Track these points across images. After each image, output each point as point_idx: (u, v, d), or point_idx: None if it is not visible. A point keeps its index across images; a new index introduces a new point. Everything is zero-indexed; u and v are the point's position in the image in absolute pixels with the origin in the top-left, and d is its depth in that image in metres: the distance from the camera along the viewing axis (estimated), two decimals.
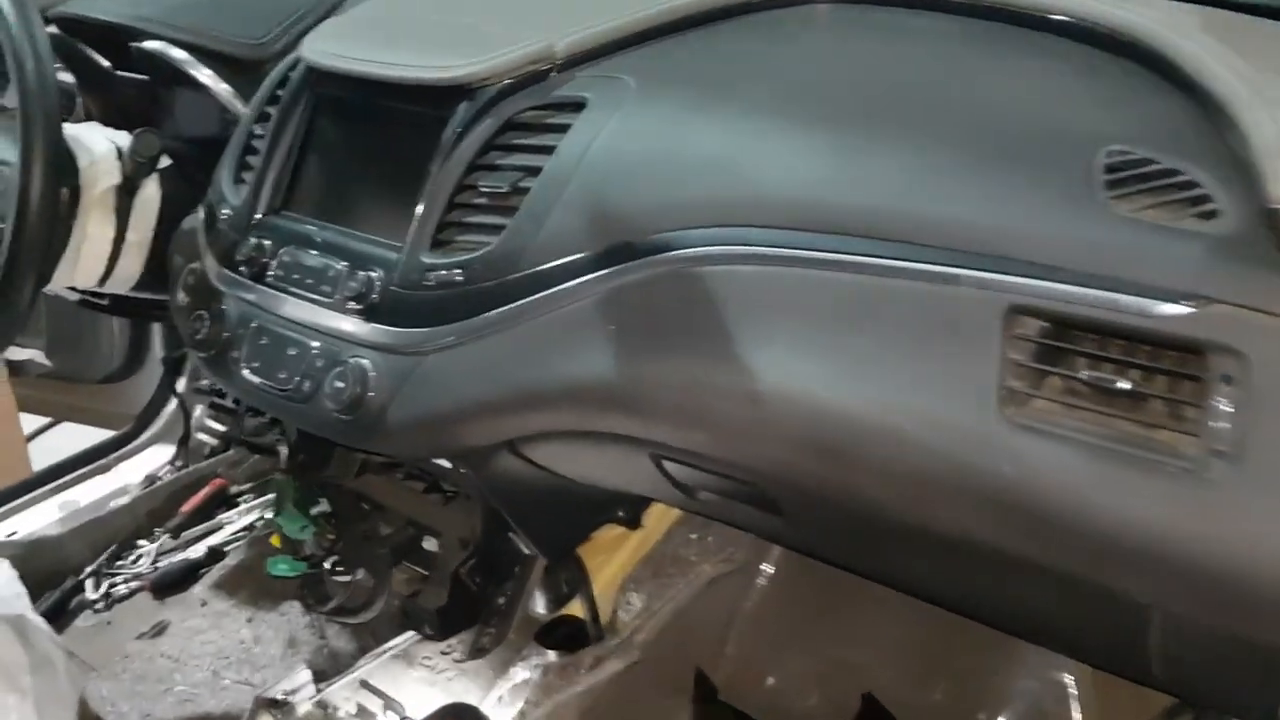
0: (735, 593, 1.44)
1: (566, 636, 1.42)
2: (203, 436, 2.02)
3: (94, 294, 1.51)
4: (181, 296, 1.26)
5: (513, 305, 0.99)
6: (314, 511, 1.33)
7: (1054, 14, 0.98)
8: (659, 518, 1.50)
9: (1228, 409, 0.72)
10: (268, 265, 1.15)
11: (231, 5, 1.41)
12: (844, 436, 0.85)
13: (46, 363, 1.96)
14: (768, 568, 1.43)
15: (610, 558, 1.50)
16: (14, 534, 1.82)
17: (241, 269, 1.17)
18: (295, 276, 1.13)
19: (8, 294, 1.15)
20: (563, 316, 0.98)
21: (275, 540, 1.38)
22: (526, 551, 1.29)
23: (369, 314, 1.07)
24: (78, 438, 2.17)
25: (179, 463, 2.00)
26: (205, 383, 1.97)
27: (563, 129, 1.02)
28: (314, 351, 1.09)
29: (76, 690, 1.38)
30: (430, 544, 1.32)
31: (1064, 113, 0.89)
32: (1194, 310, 0.73)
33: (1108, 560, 0.77)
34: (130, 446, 2.01)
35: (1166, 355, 0.75)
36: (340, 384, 1.05)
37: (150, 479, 1.96)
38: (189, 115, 1.42)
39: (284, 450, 1.31)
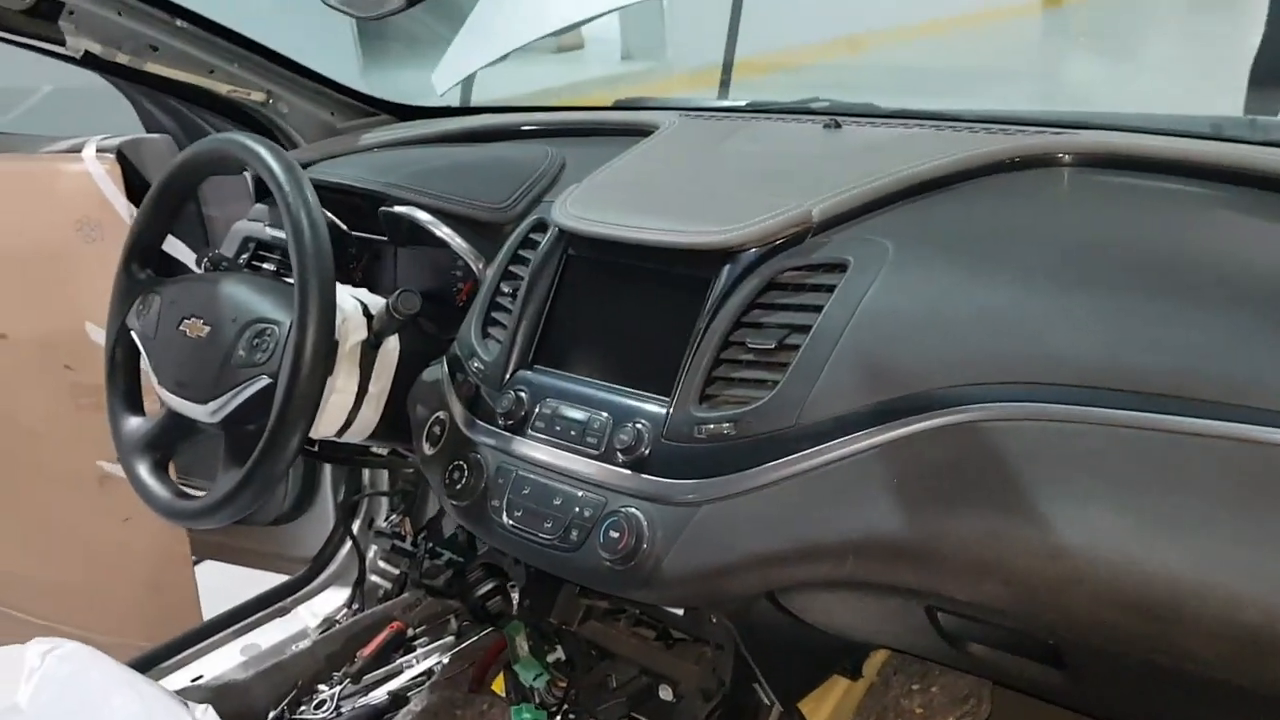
0: None
1: None
2: (376, 579, 2.05)
3: (308, 441, 1.57)
4: (428, 446, 1.30)
5: (790, 457, 1.02)
6: (550, 659, 1.34)
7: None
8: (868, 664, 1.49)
9: None
10: (527, 417, 1.20)
11: (466, 172, 1.49)
12: (1164, 595, 0.86)
13: None
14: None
15: (819, 705, 1.49)
16: (200, 678, 1.84)
17: (499, 420, 1.22)
18: (558, 429, 1.17)
19: (277, 446, 1.21)
20: (842, 470, 1.00)
21: (497, 686, 1.39)
22: (766, 702, 1.29)
23: (639, 465, 1.10)
24: (229, 576, 2.22)
25: (355, 605, 2.03)
26: (383, 524, 2.01)
27: (827, 289, 1.07)
28: (580, 502, 1.13)
29: None
30: (665, 693, 1.32)
31: None
32: None
33: None
34: (307, 589, 2.04)
35: None
36: (615, 534, 1.08)
37: (328, 622, 1.99)
38: (419, 272, 1.49)
39: (515, 595, 1.33)
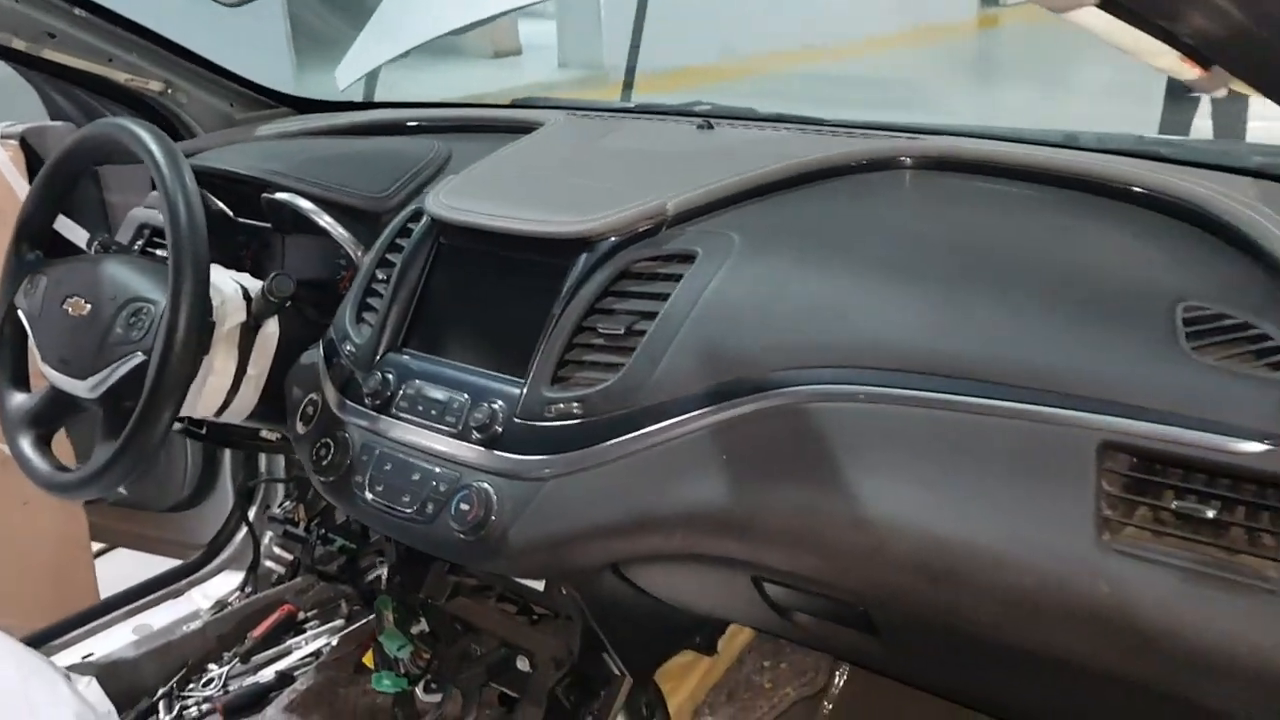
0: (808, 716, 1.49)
1: None
2: (271, 564, 2.09)
3: (195, 423, 1.60)
4: (300, 426, 1.35)
5: (630, 435, 1.09)
6: (414, 630, 1.40)
7: (1129, 185, 1.11)
8: (727, 645, 1.56)
9: None
10: (393, 398, 1.25)
11: (351, 162, 1.54)
12: (951, 561, 0.93)
13: (121, 491, 2.04)
14: (838, 692, 1.48)
15: (680, 684, 1.55)
16: (90, 655, 1.87)
17: (366, 401, 1.27)
18: (420, 408, 1.23)
19: (148, 423, 1.25)
20: (677, 447, 1.07)
21: (368, 659, 1.44)
22: (615, 672, 1.35)
23: (492, 443, 1.16)
24: (133, 563, 2.23)
25: (248, 589, 2.06)
26: (277, 511, 2.04)
27: (675, 278, 1.14)
28: (437, 477, 1.18)
29: None
30: (522, 664, 1.38)
31: (1143, 272, 1.01)
32: (1270, 448, 0.83)
33: (1197, 674, 0.85)
34: (202, 572, 2.07)
35: (1246, 488, 0.85)
36: (465, 506, 1.14)
37: (220, 604, 2.02)
38: (305, 259, 1.54)
39: (384, 571, 1.38)
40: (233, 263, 1.55)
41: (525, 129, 1.59)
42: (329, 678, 1.82)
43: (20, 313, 1.46)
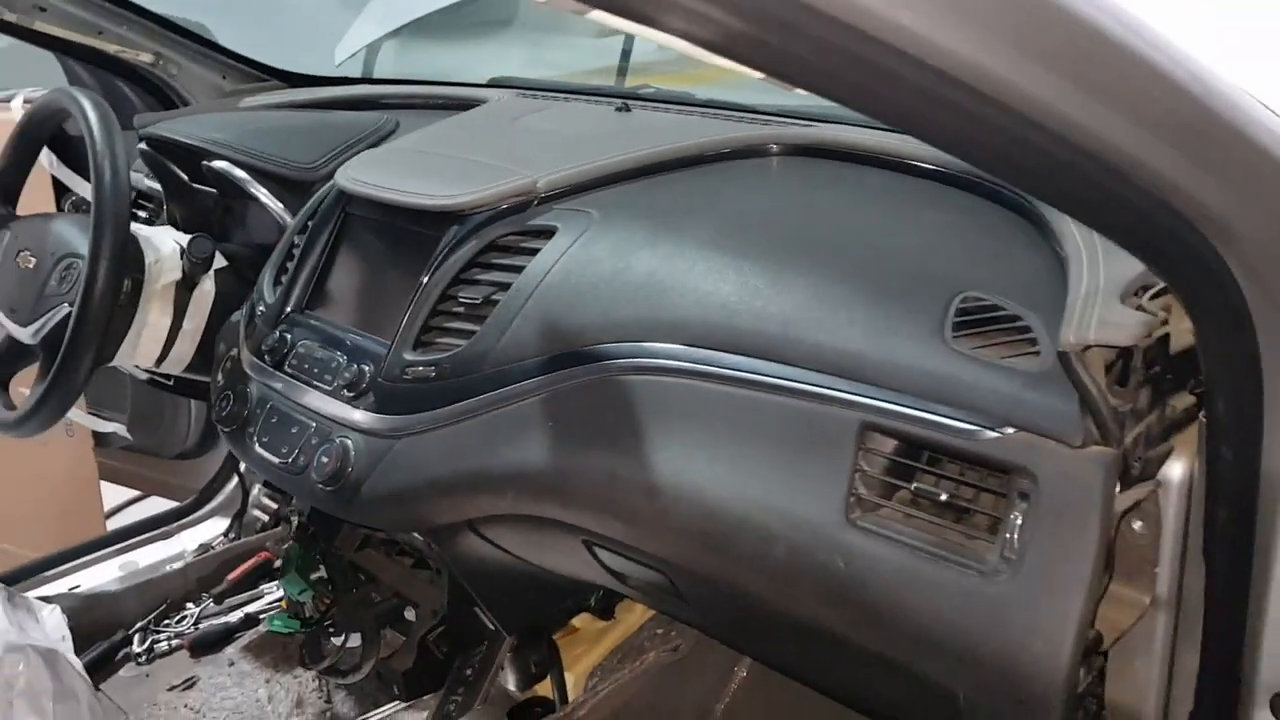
0: (679, 681, 1.53)
1: (537, 716, 1.52)
2: (257, 512, 2.20)
3: (160, 374, 1.72)
4: (219, 378, 1.45)
5: (472, 400, 1.15)
6: (313, 577, 1.48)
7: (948, 167, 1.13)
8: (639, 612, 1.61)
9: (1018, 521, 0.83)
10: (286, 355, 1.34)
11: (291, 133, 1.63)
12: (724, 530, 0.97)
13: (128, 436, 2.18)
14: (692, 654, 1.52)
15: (592, 647, 1.61)
16: (76, 587, 2.01)
17: (265, 357, 1.36)
18: (306, 366, 1.31)
19: (70, 364, 1.36)
20: (512, 412, 1.12)
21: (285, 604, 1.54)
22: (491, 627, 1.41)
23: (357, 401, 1.23)
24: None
25: (232, 535, 2.19)
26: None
27: (533, 252, 1.19)
28: (311, 431, 1.26)
29: None
30: (410, 614, 1.45)
31: (940, 260, 1.02)
32: (1002, 435, 0.84)
33: (919, 648, 0.87)
34: (191, 517, 2.20)
35: (986, 474, 0.87)
36: (325, 459, 1.22)
37: (204, 547, 2.15)
38: (247, 226, 1.64)
39: (295, 520, 1.47)
40: (198, 225, 1.66)
41: (470, 106, 1.65)
42: None
43: None
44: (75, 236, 1.46)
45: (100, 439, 2.22)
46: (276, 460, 1.29)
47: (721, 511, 0.97)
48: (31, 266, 1.47)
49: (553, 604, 1.48)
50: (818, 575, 0.91)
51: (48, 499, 2.25)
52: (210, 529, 2.19)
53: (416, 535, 1.35)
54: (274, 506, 2.21)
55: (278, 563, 2.10)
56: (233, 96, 1.97)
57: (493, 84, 1.98)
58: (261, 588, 2.09)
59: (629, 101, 1.55)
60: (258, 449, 1.32)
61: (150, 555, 2.12)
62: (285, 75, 2.04)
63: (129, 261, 1.42)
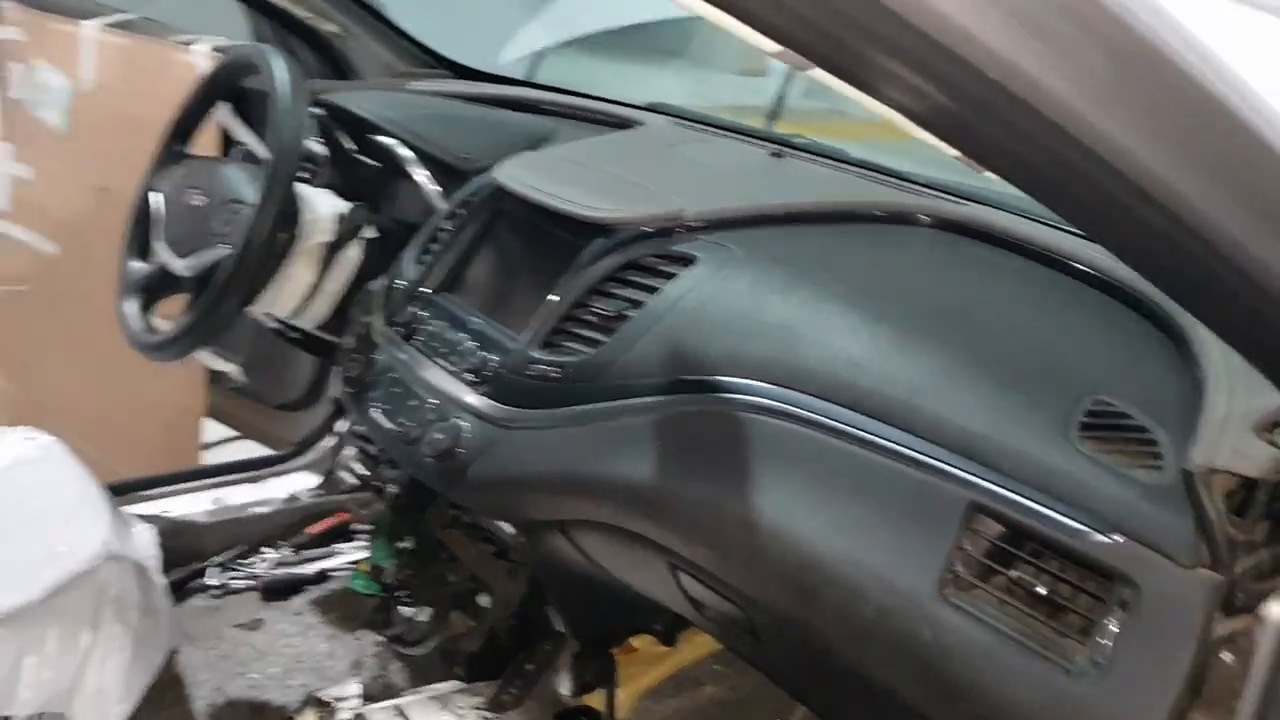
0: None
1: None
2: (345, 474, 2.28)
3: (289, 327, 1.79)
4: (350, 341, 1.51)
5: (589, 406, 1.19)
6: (400, 546, 1.54)
7: (1126, 285, 1.14)
8: (700, 644, 1.63)
9: (1114, 628, 0.83)
10: (417, 331, 1.39)
11: (457, 123, 1.70)
12: (817, 579, 0.99)
13: (241, 379, 2.27)
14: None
15: (647, 669, 1.63)
16: (166, 512, 2.10)
17: (397, 329, 1.41)
18: (434, 344, 1.36)
19: (220, 303, 1.44)
20: (626, 425, 1.16)
21: (364, 566, 1.59)
22: (558, 628, 1.45)
23: (478, 386, 1.28)
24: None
25: (320, 491, 2.26)
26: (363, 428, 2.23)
27: (670, 276, 1.22)
28: (429, 407, 1.31)
29: (170, 645, 1.61)
30: (484, 600, 1.49)
31: (1075, 358, 1.03)
32: (1112, 541, 0.86)
33: None
34: (284, 466, 2.29)
35: (1087, 575, 0.88)
36: (439, 435, 1.26)
37: (291, 498, 2.23)
38: (399, 202, 1.71)
39: (392, 489, 1.52)
40: (353, 194, 1.73)
41: (627, 125, 1.70)
42: None
43: (160, 194, 1.68)
44: (244, 184, 1.54)
45: (214, 376, 2.32)
46: (392, 428, 1.34)
47: (818, 561, 0.99)
48: (199, 206, 1.55)
49: (626, 619, 1.51)
50: (902, 640, 0.93)
51: (152, 422, 2.35)
52: (299, 481, 2.27)
53: (508, 526, 1.40)
54: (364, 472, 2.28)
55: (355, 525, 2.18)
56: (401, 78, 2.06)
57: (650, 108, 2.04)
58: (336, 546, 2.16)
59: (783, 149, 1.58)
60: (375, 414, 1.37)
61: (239, 495, 2.20)
62: (455, 66, 2.11)
63: (289, 216, 1.49)
